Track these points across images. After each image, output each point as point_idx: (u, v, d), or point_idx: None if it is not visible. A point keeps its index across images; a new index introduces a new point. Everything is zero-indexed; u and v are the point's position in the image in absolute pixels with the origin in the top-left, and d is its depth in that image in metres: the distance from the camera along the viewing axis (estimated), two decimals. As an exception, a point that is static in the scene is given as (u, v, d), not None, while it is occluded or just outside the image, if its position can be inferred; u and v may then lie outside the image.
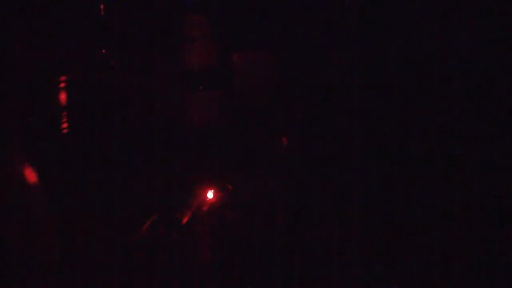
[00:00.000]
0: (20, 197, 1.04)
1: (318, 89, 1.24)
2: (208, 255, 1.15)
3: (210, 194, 1.17)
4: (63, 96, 1.15)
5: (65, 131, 1.15)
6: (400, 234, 1.13)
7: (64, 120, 1.15)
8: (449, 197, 1.13)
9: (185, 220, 1.14)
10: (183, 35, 1.24)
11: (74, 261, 1.06)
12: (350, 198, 1.16)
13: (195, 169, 1.20)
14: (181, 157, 1.21)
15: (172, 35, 1.25)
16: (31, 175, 1.05)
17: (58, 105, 1.15)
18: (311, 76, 1.24)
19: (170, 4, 1.26)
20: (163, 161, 1.20)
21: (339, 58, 1.21)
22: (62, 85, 1.15)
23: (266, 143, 1.24)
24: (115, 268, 1.07)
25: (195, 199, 1.17)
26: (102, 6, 1.20)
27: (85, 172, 1.14)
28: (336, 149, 1.20)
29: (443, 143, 1.15)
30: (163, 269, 1.10)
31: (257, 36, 1.26)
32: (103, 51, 1.21)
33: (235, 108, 1.27)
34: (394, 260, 1.11)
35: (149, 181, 1.17)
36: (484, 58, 1.12)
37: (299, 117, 1.25)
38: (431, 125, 1.16)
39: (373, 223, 1.14)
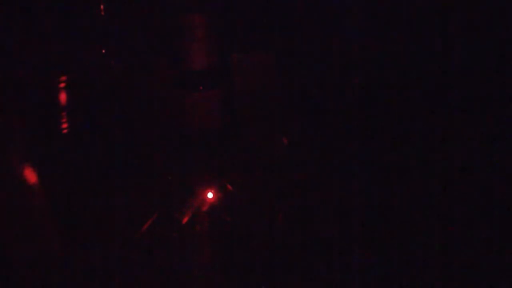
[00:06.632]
0: (20, 197, 1.04)
1: (317, 88, 1.24)
2: (208, 255, 1.15)
3: (210, 194, 1.18)
4: (63, 96, 1.15)
5: (65, 131, 1.15)
6: (400, 234, 1.13)
7: (64, 120, 1.15)
8: (448, 197, 1.13)
9: (185, 220, 1.14)
10: (183, 35, 1.24)
11: (74, 261, 1.06)
12: (350, 198, 1.16)
13: (195, 169, 1.20)
14: (181, 157, 1.21)
15: (172, 35, 1.25)
16: (31, 175, 1.05)
17: (58, 105, 1.15)
18: (311, 76, 1.24)
19: (170, 4, 1.26)
20: (163, 161, 1.20)
21: (339, 58, 1.22)
22: (62, 85, 1.15)
23: (266, 143, 1.24)
24: (115, 268, 1.08)
25: (195, 199, 1.17)
26: (102, 6, 1.20)
27: (85, 172, 1.14)
28: (336, 149, 1.20)
29: (443, 143, 1.15)
30: (163, 269, 1.10)
31: (257, 36, 1.26)
32: (103, 51, 1.21)
33: (235, 108, 1.27)
34: (393, 260, 1.11)
35: (149, 181, 1.17)
36: (484, 59, 1.12)
37: (299, 117, 1.25)
38: (431, 125, 1.16)
39: (373, 223, 1.15)
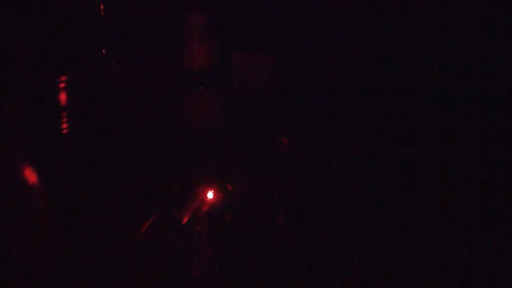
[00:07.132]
0: (20, 197, 1.04)
1: (317, 89, 1.24)
2: (208, 255, 1.15)
3: (210, 194, 1.17)
4: (63, 96, 1.15)
5: (65, 131, 1.15)
6: (400, 234, 1.13)
7: (64, 120, 1.15)
8: (448, 197, 1.13)
9: (185, 220, 1.14)
10: (183, 35, 1.24)
11: (74, 261, 1.06)
12: (351, 198, 1.16)
13: (195, 169, 1.20)
14: (181, 157, 1.21)
15: (172, 35, 1.25)
16: (31, 175, 1.05)
17: (58, 105, 1.15)
18: (311, 76, 1.24)
19: (171, 4, 1.26)
20: (163, 161, 1.20)
21: (338, 58, 1.22)
22: (62, 85, 1.15)
23: (266, 143, 1.24)
24: (115, 268, 1.07)
25: (195, 199, 1.17)
26: (102, 6, 1.20)
27: (85, 172, 1.14)
28: (335, 149, 1.20)
29: (443, 143, 1.15)
30: (163, 269, 1.10)
31: (257, 37, 1.27)
32: (103, 51, 1.21)
33: (235, 108, 1.27)
34: (393, 261, 1.11)
35: (149, 181, 1.17)
36: (483, 58, 1.12)
37: (299, 117, 1.25)
38: (431, 125, 1.16)
39: (374, 223, 1.14)
